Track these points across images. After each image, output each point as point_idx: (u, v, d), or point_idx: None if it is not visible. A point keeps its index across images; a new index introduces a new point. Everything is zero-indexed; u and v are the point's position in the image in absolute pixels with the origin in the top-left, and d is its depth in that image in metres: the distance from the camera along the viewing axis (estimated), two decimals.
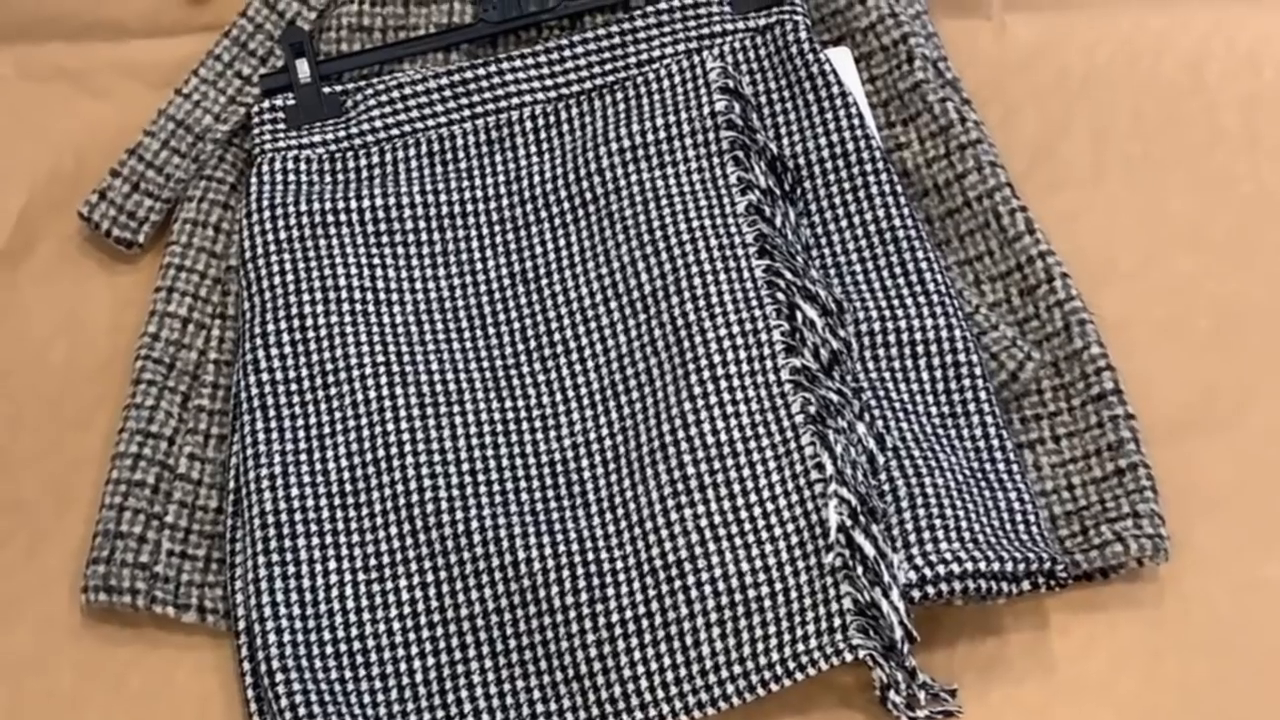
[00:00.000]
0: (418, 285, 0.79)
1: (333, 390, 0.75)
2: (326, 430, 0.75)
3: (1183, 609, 0.73)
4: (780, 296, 0.74)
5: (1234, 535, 0.74)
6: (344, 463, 0.74)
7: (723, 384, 0.72)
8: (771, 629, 0.67)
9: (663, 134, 0.80)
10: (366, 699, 0.71)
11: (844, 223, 0.79)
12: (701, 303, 0.74)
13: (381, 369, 0.75)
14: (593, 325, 0.77)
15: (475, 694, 0.70)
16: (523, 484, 0.74)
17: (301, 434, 0.75)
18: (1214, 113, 0.87)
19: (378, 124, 0.82)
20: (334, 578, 0.72)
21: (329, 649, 0.71)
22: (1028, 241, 0.77)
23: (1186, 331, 0.80)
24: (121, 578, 0.74)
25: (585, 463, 0.74)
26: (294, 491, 0.73)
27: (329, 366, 0.76)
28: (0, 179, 0.89)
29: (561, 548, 0.70)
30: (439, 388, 0.75)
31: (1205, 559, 0.73)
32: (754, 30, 0.82)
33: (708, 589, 0.68)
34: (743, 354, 0.72)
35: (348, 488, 0.74)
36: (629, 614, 0.69)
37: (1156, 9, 0.90)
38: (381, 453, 0.73)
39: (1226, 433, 0.77)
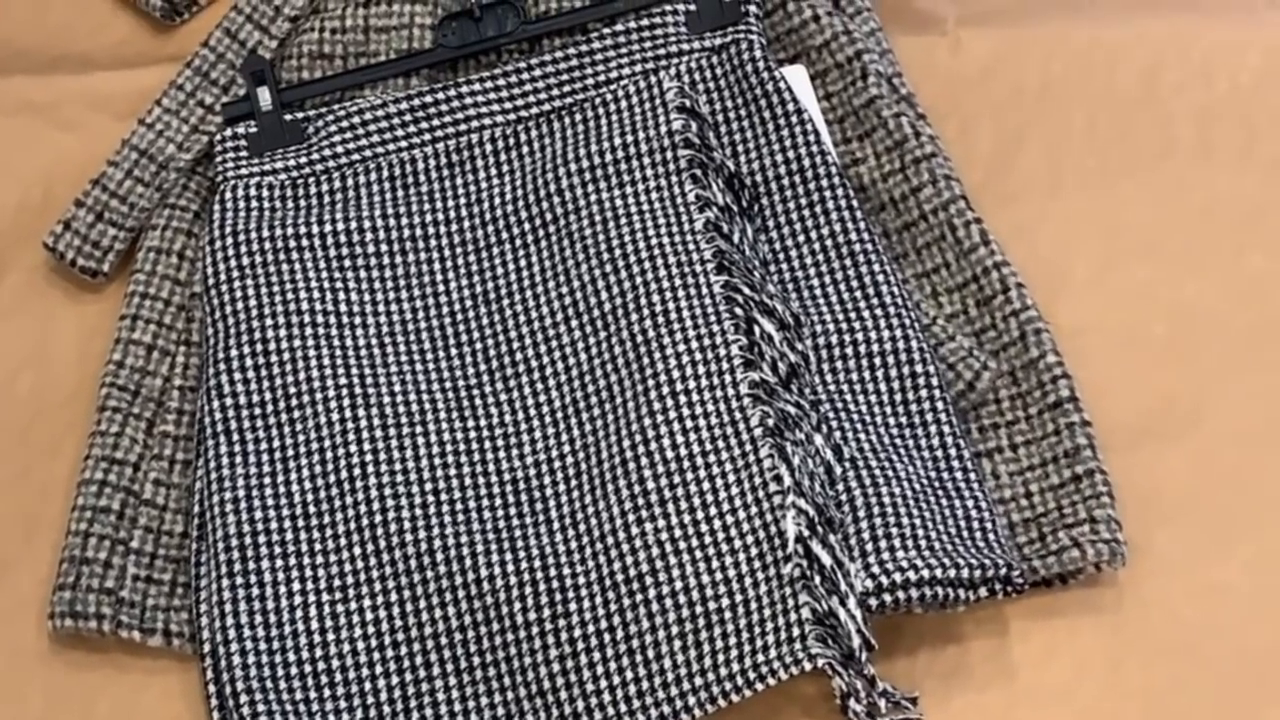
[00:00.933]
0: (380, 308, 0.81)
1: (295, 414, 0.77)
2: (290, 453, 0.76)
3: (1142, 614, 0.74)
4: (738, 311, 0.75)
5: (1192, 540, 0.76)
6: (307, 485, 0.75)
7: (682, 399, 0.73)
8: (732, 640, 0.68)
9: (621, 153, 0.81)
10: (331, 719, 0.73)
11: (801, 238, 0.81)
12: (660, 319, 0.76)
13: (344, 392, 0.77)
14: (554, 344, 0.79)
15: (440, 712, 0.71)
16: (485, 502, 0.75)
17: (265, 457, 0.76)
18: (1168, 124, 0.88)
19: (339, 149, 0.84)
20: (298, 599, 0.73)
21: (294, 670, 0.72)
22: (983, 253, 0.79)
23: (1142, 339, 0.82)
24: (87, 603, 0.75)
25: (547, 480, 0.75)
26: (258, 514, 0.75)
27: (291, 390, 0.77)
28: None
29: (524, 564, 0.72)
30: (401, 409, 0.77)
31: (1164, 564, 0.75)
32: (710, 50, 0.84)
33: (669, 602, 0.69)
34: (701, 369, 0.74)
35: (311, 509, 0.75)
36: (591, 628, 0.70)
37: (1110, 23, 0.92)
38: (344, 474, 0.75)
39: (1183, 439, 0.79)
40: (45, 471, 0.83)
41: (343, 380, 0.77)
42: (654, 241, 0.77)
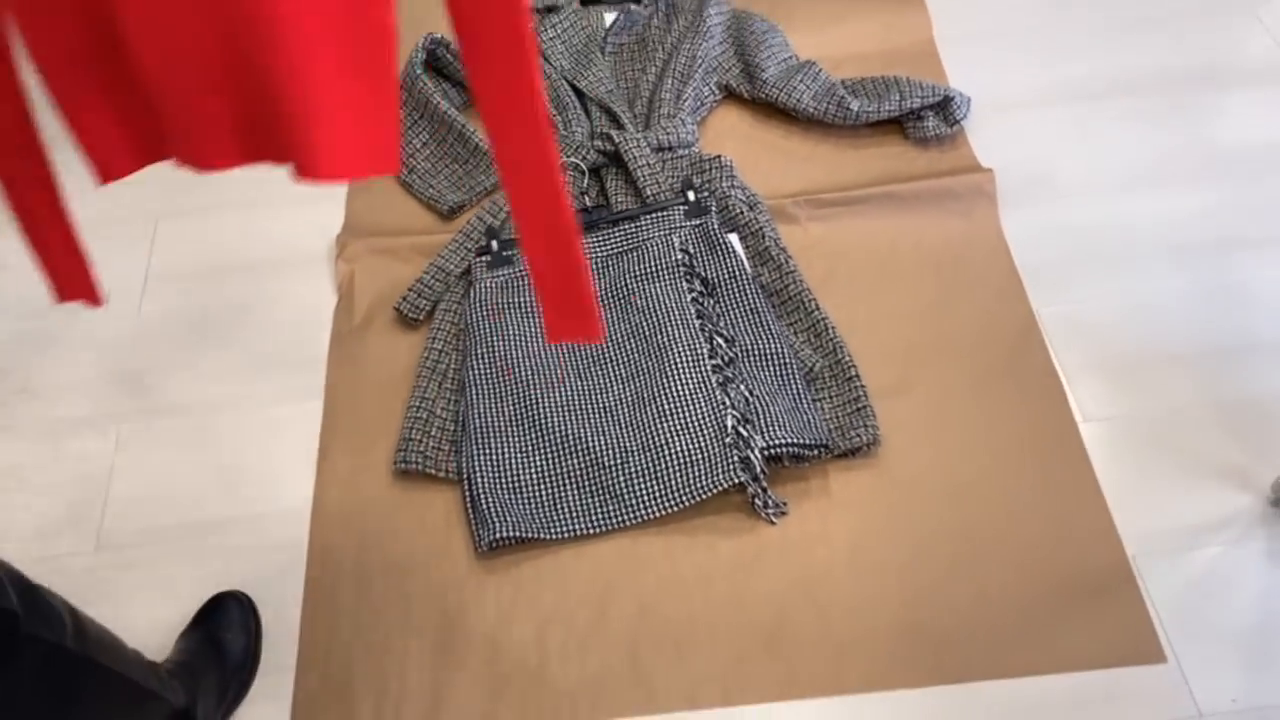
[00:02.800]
0: (549, 346, 1.50)
1: (503, 377, 1.48)
2: (502, 393, 1.46)
3: (890, 467, 1.41)
4: (706, 333, 1.47)
5: (913, 436, 1.43)
6: (509, 408, 1.45)
7: (681, 371, 1.44)
8: (703, 470, 1.36)
9: (654, 268, 1.55)
10: (520, 509, 1.38)
11: (733, 305, 1.52)
12: (670, 336, 1.47)
13: (524, 366, 1.47)
14: (621, 349, 1.49)
15: (570, 505, 1.38)
16: (591, 415, 1.44)
17: (490, 395, 1.45)
18: (910, 266, 1.61)
19: (524, 268, 1.60)
20: (504, 454, 1.41)
21: (501, 485, 1.39)
22: (817, 314, 1.50)
23: (895, 355, 1.51)
24: (412, 458, 1.42)
25: (619, 406, 1.44)
26: (488, 419, 1.44)
27: (501, 366, 1.47)
28: (361, 290, 1.62)
29: (608, 440, 1.40)
30: (554, 375, 1.47)
31: (901, 448, 1.42)
32: (696, 225, 1.59)
33: (674, 457, 1.37)
34: (688, 358, 1.44)
35: (512, 416, 1.44)
36: (635, 469, 1.38)
37: (891, 217, 1.69)
38: (527, 402, 1.44)
39: (909, 395, 1.47)
40: (389, 406, 1.51)
41: (524, 362, 1.48)
42: (669, 304, 1.50)
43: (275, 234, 1.73)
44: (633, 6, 1.89)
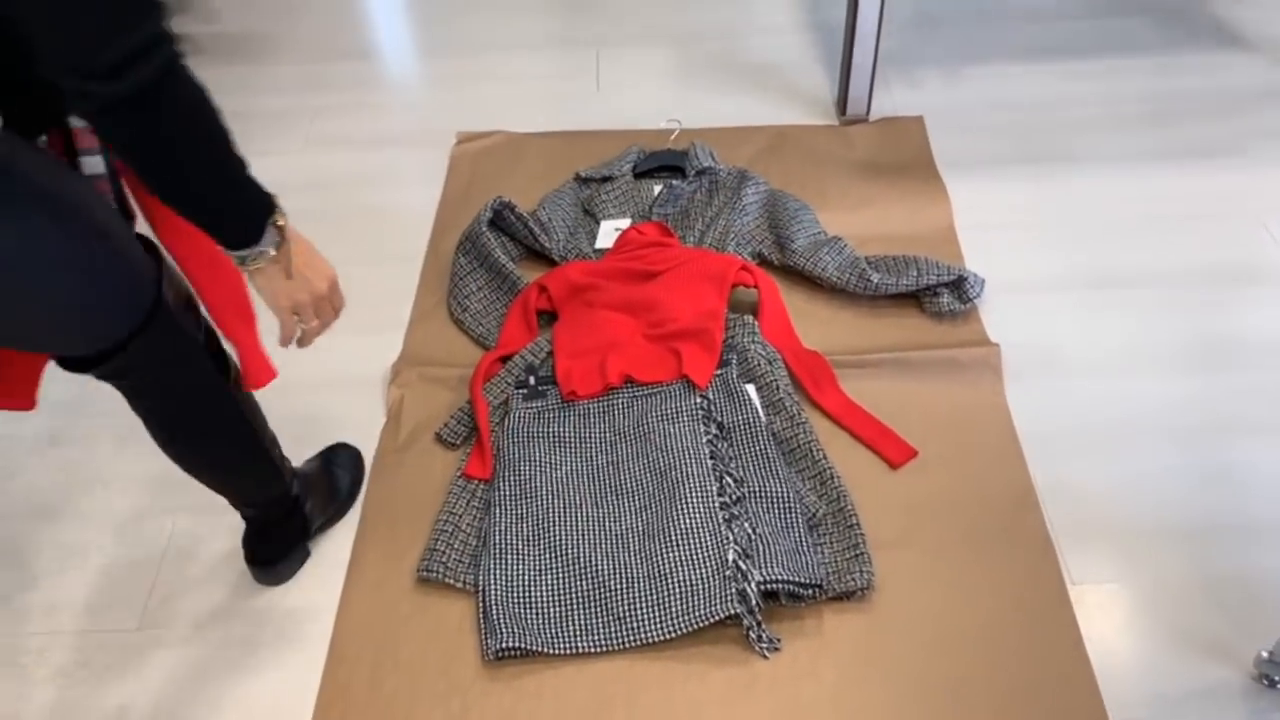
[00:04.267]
0: (566, 458, 1.62)
1: (528, 498, 1.57)
2: (523, 514, 1.56)
3: (883, 614, 1.45)
4: (717, 473, 1.56)
5: (908, 587, 1.49)
6: (528, 526, 1.54)
7: (690, 505, 1.52)
8: (702, 599, 1.43)
9: (674, 411, 1.65)
10: (528, 622, 1.45)
11: (745, 449, 1.62)
12: (683, 472, 1.56)
13: (546, 490, 1.58)
14: (638, 481, 1.58)
15: (576, 624, 1.45)
16: (602, 541, 1.53)
17: (513, 515, 1.55)
18: (916, 427, 1.71)
19: (556, 401, 1.71)
20: (519, 570, 1.50)
21: (513, 599, 1.47)
22: (823, 463, 1.59)
23: (896, 508, 1.58)
24: (435, 568, 1.52)
25: (630, 534, 1.53)
26: (508, 537, 1.53)
27: (527, 487, 1.58)
28: (408, 413, 1.75)
29: (616, 566, 1.49)
30: (570, 499, 1.57)
31: (895, 597, 1.47)
32: (716, 374, 1.70)
33: (676, 585, 1.45)
34: (698, 494, 1.53)
35: (530, 536, 1.53)
36: (639, 594, 1.45)
37: (901, 381, 1.79)
38: (545, 524, 1.54)
39: (908, 548, 1.53)
40: (422, 519, 1.62)
41: (547, 487, 1.59)
42: (686, 444, 1.60)
43: (332, 359, 1.90)
44: (675, 182, 2.08)
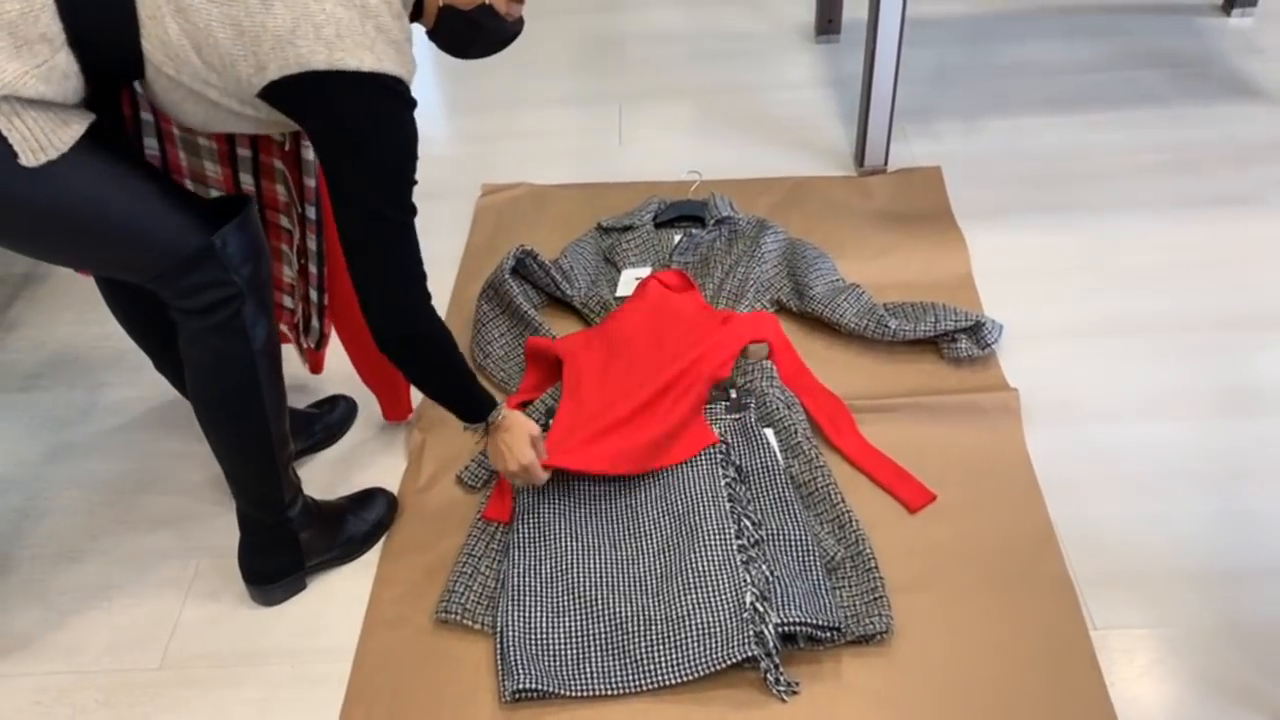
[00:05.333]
0: (586, 503, 1.63)
1: (547, 546, 1.57)
2: (541, 557, 1.56)
3: (902, 659, 1.44)
4: (735, 516, 1.56)
5: (927, 631, 1.47)
6: (546, 568, 1.55)
7: (707, 548, 1.52)
8: (720, 642, 1.42)
9: (694, 455, 1.66)
10: (545, 664, 1.45)
11: (763, 493, 1.62)
12: (701, 515, 1.56)
13: (565, 533, 1.59)
14: (656, 524, 1.59)
15: (593, 666, 1.45)
16: (620, 584, 1.53)
17: (531, 557, 1.56)
18: (935, 471, 1.71)
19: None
20: (537, 613, 1.50)
21: (530, 641, 1.47)
22: (841, 506, 1.59)
23: (915, 552, 1.57)
24: (453, 609, 1.52)
25: (648, 576, 1.53)
26: (527, 579, 1.54)
27: (548, 535, 1.58)
28: (430, 456, 1.77)
29: (635, 610, 1.49)
30: (590, 541, 1.57)
31: (914, 642, 1.46)
32: (735, 419, 1.71)
33: (694, 628, 1.45)
34: (716, 537, 1.53)
35: (548, 578, 1.54)
36: (657, 637, 1.45)
37: (921, 425, 1.78)
38: (563, 566, 1.54)
39: (927, 592, 1.52)
40: (441, 561, 1.63)
41: (565, 530, 1.59)
42: (704, 487, 1.61)
43: (359, 400, 1.92)
44: (695, 230, 2.11)
